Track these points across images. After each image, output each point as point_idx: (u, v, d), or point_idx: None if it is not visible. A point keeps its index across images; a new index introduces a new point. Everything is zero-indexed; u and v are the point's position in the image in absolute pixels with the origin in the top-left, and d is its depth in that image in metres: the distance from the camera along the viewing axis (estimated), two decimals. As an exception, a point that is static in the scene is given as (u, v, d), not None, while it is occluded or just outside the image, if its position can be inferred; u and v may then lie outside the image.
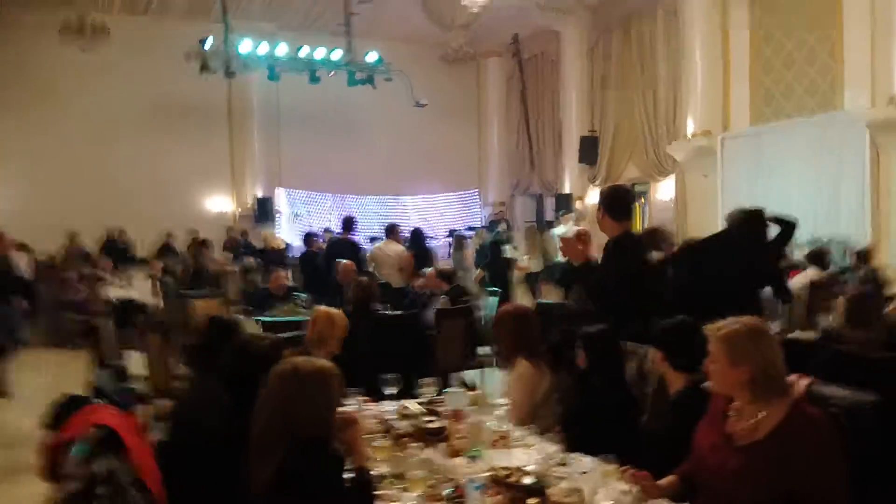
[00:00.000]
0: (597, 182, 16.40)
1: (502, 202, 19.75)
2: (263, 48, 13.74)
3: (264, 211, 16.69)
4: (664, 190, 14.75)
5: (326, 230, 10.58)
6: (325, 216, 18.13)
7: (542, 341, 3.13)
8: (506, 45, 18.75)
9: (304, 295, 6.05)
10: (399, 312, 4.93)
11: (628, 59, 15.35)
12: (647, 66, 14.78)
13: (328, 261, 7.10)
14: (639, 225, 16.83)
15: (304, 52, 14.12)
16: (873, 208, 10.43)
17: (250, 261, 8.13)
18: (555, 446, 2.39)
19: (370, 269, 7.15)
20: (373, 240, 13.17)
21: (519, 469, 2.15)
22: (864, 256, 7.47)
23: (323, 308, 3.62)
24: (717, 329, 1.96)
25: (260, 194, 16.95)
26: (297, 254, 15.77)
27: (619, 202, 4.06)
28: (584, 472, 2.13)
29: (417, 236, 7.47)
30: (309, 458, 1.83)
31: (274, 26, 15.68)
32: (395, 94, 16.59)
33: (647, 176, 15.15)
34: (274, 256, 8.38)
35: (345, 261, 6.57)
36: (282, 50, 13.93)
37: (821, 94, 11.36)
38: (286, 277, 6.20)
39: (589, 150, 16.30)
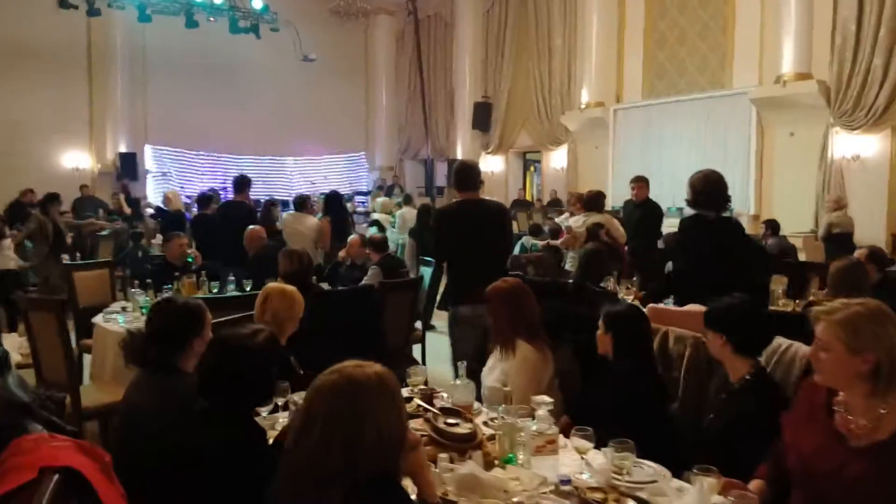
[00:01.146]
0: (490, 149, 16.27)
1: (391, 166, 19.23)
2: (133, -16, 12.25)
3: (128, 168, 15.09)
4: (557, 159, 14.85)
5: (212, 190, 9.56)
6: (196, 177, 16.79)
7: (541, 320, 2.78)
8: (396, 3, 18.04)
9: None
10: (347, 287, 4.31)
11: (524, 27, 15.21)
12: (542, 35, 14.70)
13: (222, 225, 6.31)
14: (529, 194, 17.00)
15: (180, -8, 12.75)
16: (757, 183, 10.96)
17: (147, 224, 7.16)
18: (593, 448, 2.03)
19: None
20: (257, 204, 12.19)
21: (613, 489, 1.78)
22: (775, 227, 7.75)
23: (275, 284, 3.03)
24: (830, 312, 1.69)
25: (123, 149, 15.29)
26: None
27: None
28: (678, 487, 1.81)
29: (335, 201, 6.79)
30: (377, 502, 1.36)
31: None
32: (280, 46, 15.50)
33: (541, 145, 15.19)
34: (174, 218, 7.34)
35: (255, 226, 5.86)
36: (154, -12, 12.49)
37: (711, 71, 11.75)
38: (188, 245, 5.39)
39: (482, 116, 16.10)
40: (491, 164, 16.44)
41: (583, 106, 13.52)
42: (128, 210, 11.02)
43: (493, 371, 2.80)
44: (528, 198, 16.35)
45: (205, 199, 7.13)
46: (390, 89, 19.17)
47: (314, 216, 6.69)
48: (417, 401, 2.39)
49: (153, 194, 15.37)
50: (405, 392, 2.61)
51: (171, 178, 16.24)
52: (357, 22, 17.54)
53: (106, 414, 3.68)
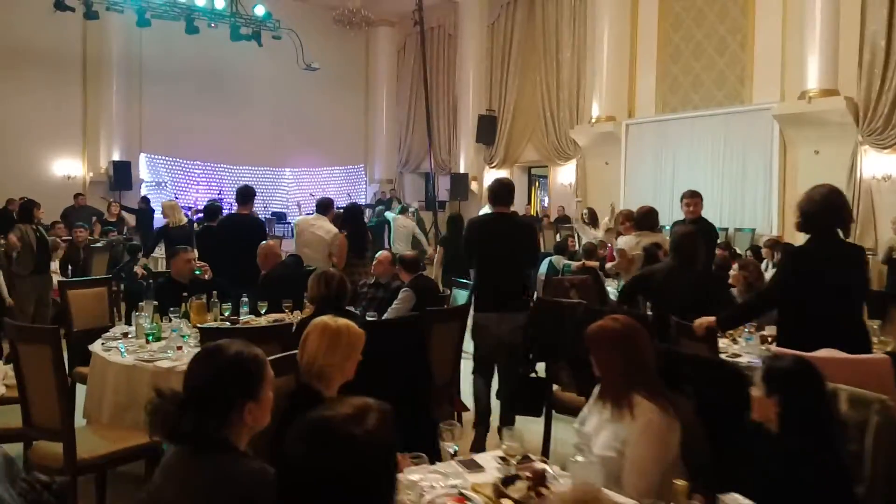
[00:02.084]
0: (494, 163, 15.87)
1: (390, 179, 18.80)
2: (132, -13, 11.80)
3: (122, 177, 14.54)
4: (564, 174, 14.46)
5: (212, 202, 9.00)
6: (192, 187, 16.27)
7: (659, 368, 2.26)
8: (398, 14, 17.69)
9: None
10: (395, 317, 3.77)
11: (531, 39, 14.87)
12: (550, 47, 14.37)
13: (227, 240, 5.81)
14: (534, 209, 16.60)
15: (181, -4, 12.31)
16: (780, 202, 10.59)
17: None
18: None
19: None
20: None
21: None
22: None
23: (323, 319, 2.50)
24: None
25: (117, 158, 14.75)
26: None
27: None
28: None
29: (355, 214, 6.26)
30: None
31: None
32: (278, 55, 15.07)
33: (547, 160, 14.81)
34: (177, 235, 6.73)
35: (269, 241, 5.37)
36: (154, -8, 12.05)
37: (729, 86, 11.41)
38: (195, 260, 4.89)
39: (487, 129, 15.71)
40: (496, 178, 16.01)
41: (593, 120, 13.16)
42: (130, 221, 10.47)
43: (600, 433, 2.26)
44: (534, 213, 15.96)
45: (212, 210, 6.64)
46: (391, 101, 18.79)
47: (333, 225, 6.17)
48: (523, 484, 1.88)
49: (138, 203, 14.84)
50: (499, 466, 2.11)
51: (165, 188, 15.72)
52: (358, 32, 17.14)
53: (103, 466, 3.17)
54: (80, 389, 4.14)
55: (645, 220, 5.28)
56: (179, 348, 3.75)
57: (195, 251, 5.13)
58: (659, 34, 12.35)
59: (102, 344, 3.92)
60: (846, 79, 9.62)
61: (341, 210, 6.47)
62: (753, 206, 10.97)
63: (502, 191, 4.49)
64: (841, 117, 9.56)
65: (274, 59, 15.35)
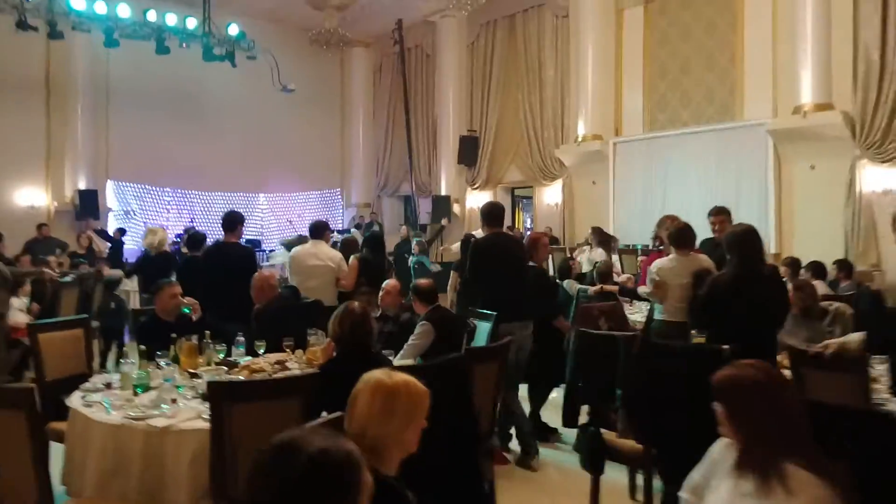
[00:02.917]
0: (476, 185, 15.51)
1: (367, 203, 18.32)
2: (101, 7, 11.24)
3: (88, 206, 13.83)
4: (550, 195, 14.14)
5: (189, 231, 8.36)
6: (161, 215, 15.59)
7: (811, 429, 1.79)
8: (373, 34, 17.37)
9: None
10: (439, 360, 3.23)
11: (513, 58, 14.62)
12: (532, 66, 14.13)
13: (214, 271, 5.27)
14: (521, 229, 16.24)
15: (152, 15, 11.77)
16: (777, 219, 10.37)
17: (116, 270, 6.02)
18: None
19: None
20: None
21: None
22: (848, 269, 6.98)
23: (375, 375, 1.98)
24: None
25: (83, 186, 14.05)
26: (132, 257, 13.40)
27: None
28: None
29: (376, 238, 5.76)
30: None
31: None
32: (252, 77, 14.58)
33: (532, 180, 14.49)
34: (160, 263, 6.08)
35: (265, 271, 4.86)
36: (124, 10, 11.50)
37: (720, 102, 11.24)
38: (180, 294, 4.36)
39: (469, 150, 15.36)
40: (478, 200, 15.66)
41: (579, 139, 12.89)
42: (101, 249, 9.73)
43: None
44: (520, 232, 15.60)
45: (196, 239, 6.10)
46: (367, 124, 18.40)
47: (331, 248, 5.66)
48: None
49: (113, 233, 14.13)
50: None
51: (134, 217, 15.03)
52: (334, 53, 16.74)
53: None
54: (56, 448, 3.56)
55: (682, 238, 4.86)
56: (174, 401, 3.23)
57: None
58: (645, 50, 12.17)
59: (83, 397, 3.36)
60: (840, 92, 9.48)
61: (334, 234, 5.97)
62: (752, 222, 10.71)
63: (497, 212, 5.07)
64: (837, 131, 9.40)
65: (247, 82, 14.86)
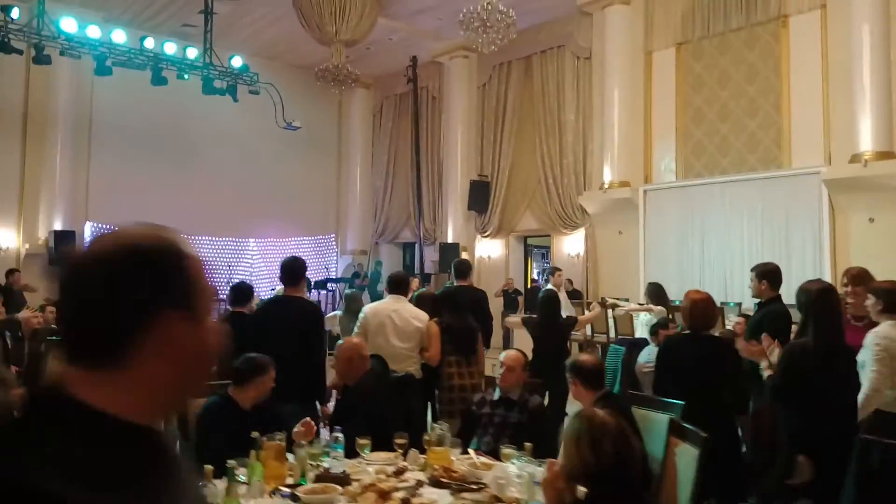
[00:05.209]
0: (487, 232, 14.60)
1: (363, 250, 17.27)
2: (94, 31, 10.22)
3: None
4: (571, 244, 13.28)
5: (240, 280, 7.00)
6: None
7: None
8: (373, 75, 16.63)
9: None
10: None
11: (528, 101, 13.92)
12: (550, 109, 13.43)
13: (268, 334, 4.14)
14: (529, 283, 15.31)
15: (149, 43, 10.79)
16: (833, 273, 9.61)
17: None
18: None
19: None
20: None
21: None
22: None
23: None
24: None
25: (59, 227, 12.75)
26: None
27: None
28: None
29: (454, 296, 4.65)
30: None
31: (100, 16, 11.82)
32: (244, 115, 13.66)
33: (549, 228, 13.63)
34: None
35: (353, 338, 3.74)
36: (119, 36, 10.50)
37: (763, 150, 10.58)
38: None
39: (479, 196, 14.50)
40: (488, 249, 14.75)
41: (605, 186, 12.12)
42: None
43: None
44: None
45: (242, 291, 4.97)
46: (365, 168, 17.49)
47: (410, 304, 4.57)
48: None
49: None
50: None
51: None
52: (331, 95, 15.85)
53: None
54: None
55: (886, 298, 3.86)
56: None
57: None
58: (677, 96, 11.54)
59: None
60: (903, 140, 8.89)
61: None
62: (801, 278, 9.88)
63: (467, 267, 6.18)
64: (901, 181, 8.76)
65: (240, 120, 13.95)
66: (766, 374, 4.03)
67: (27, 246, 12.54)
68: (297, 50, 14.84)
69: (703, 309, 3.77)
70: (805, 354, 3.50)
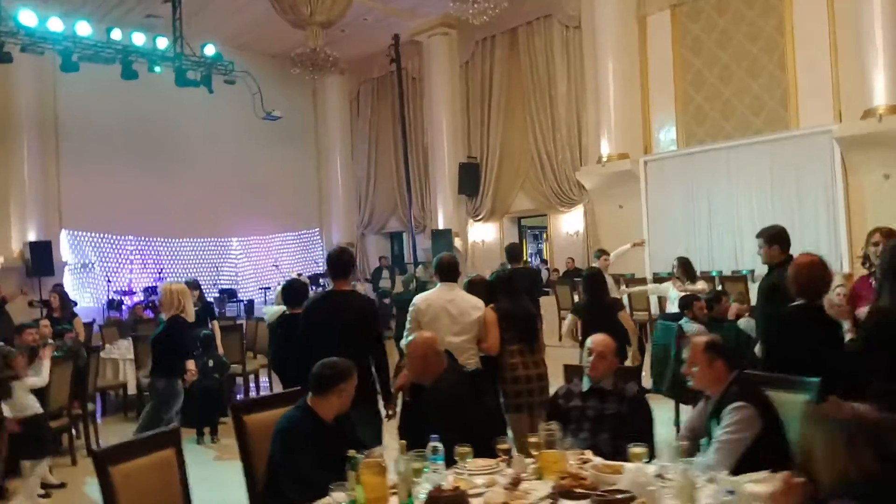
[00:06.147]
0: (479, 216, 14.15)
1: (350, 242, 16.67)
2: (56, 24, 9.47)
3: (41, 261, 11.74)
4: (569, 222, 12.90)
5: (292, 279, 6.05)
6: (124, 267, 13.58)
7: None
8: (347, 60, 15.93)
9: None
10: None
11: (516, 76, 13.45)
12: (540, 82, 12.98)
13: (320, 333, 3.60)
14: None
15: (116, 34, 10.07)
16: (848, 234, 9.39)
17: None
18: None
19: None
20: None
21: None
22: None
23: None
24: None
25: (33, 238, 11.97)
26: (99, 317, 11.31)
27: None
28: None
29: (508, 282, 4.18)
30: None
31: (60, 9, 10.98)
32: (220, 108, 12.98)
33: (545, 207, 13.23)
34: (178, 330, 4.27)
35: (426, 332, 3.24)
36: (84, 29, 9.76)
37: (769, 111, 10.29)
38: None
39: (469, 179, 14.03)
40: (481, 233, 14.31)
41: (603, 159, 11.74)
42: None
43: None
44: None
45: (297, 289, 4.41)
46: (346, 157, 16.89)
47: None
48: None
49: (73, 291, 12.06)
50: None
51: (93, 270, 12.99)
52: (304, 83, 15.15)
53: None
54: None
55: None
56: None
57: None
58: (675, 60, 11.19)
59: None
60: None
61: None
62: (816, 242, 9.67)
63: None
64: (918, 135, 8.52)
65: (214, 114, 13.31)
66: (847, 336, 3.67)
67: (2, 259, 11.73)
68: (268, 38, 14.15)
69: (808, 275, 3.33)
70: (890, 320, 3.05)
